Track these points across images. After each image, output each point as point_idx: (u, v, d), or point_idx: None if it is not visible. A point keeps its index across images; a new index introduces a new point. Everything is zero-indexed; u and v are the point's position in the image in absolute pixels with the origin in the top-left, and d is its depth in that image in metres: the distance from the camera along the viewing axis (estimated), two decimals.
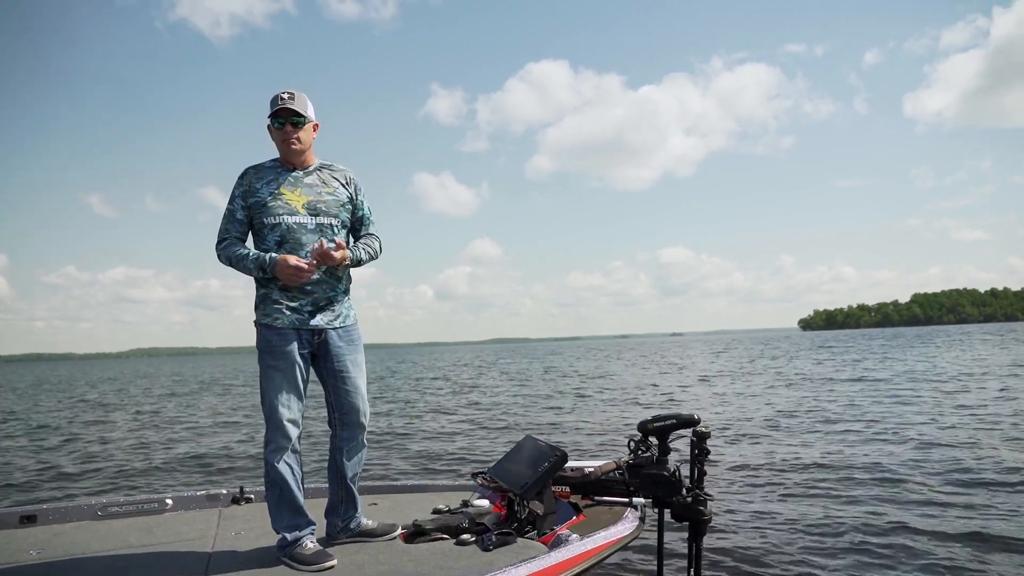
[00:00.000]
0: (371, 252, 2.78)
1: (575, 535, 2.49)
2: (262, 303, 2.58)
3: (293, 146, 2.59)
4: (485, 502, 3.04)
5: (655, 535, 2.88)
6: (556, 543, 2.46)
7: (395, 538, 2.71)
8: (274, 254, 2.51)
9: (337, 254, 2.54)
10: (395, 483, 3.59)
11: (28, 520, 2.97)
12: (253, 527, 2.90)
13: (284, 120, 2.57)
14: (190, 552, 2.62)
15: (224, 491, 3.34)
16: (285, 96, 2.56)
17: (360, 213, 2.79)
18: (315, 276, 2.56)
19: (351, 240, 2.80)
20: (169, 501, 3.23)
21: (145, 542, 2.74)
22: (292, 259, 2.47)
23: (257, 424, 11.52)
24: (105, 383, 32.59)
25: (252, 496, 3.33)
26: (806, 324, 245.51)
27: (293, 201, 2.60)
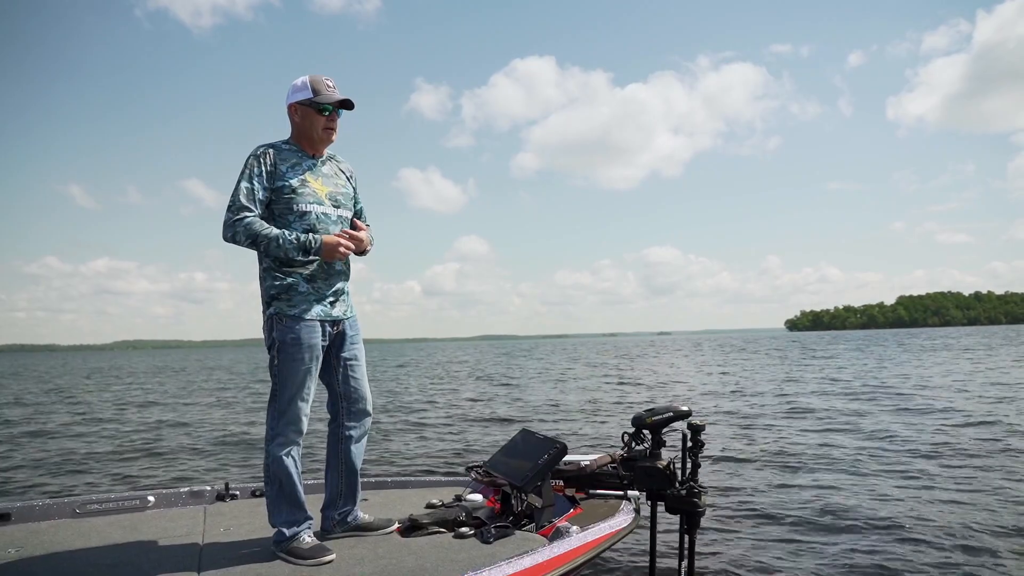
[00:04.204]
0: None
1: (575, 527, 2.51)
2: (285, 293, 2.48)
3: (333, 137, 2.59)
4: (478, 496, 3.04)
5: (649, 527, 2.92)
6: (556, 535, 2.47)
7: (391, 532, 2.69)
8: (317, 235, 2.46)
9: (364, 234, 2.60)
10: (386, 479, 3.56)
11: (1, 519, 2.86)
12: (242, 523, 2.86)
13: (333, 108, 2.55)
14: (180, 546, 2.56)
15: (208, 488, 3.27)
16: (331, 83, 2.55)
17: (359, 207, 2.79)
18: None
19: None
20: (151, 499, 3.14)
21: (130, 539, 2.66)
22: (341, 239, 2.45)
23: (240, 416, 11.47)
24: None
25: (237, 493, 3.27)
26: (793, 324, 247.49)
27: (319, 190, 2.56)
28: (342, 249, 2.47)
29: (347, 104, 2.57)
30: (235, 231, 2.40)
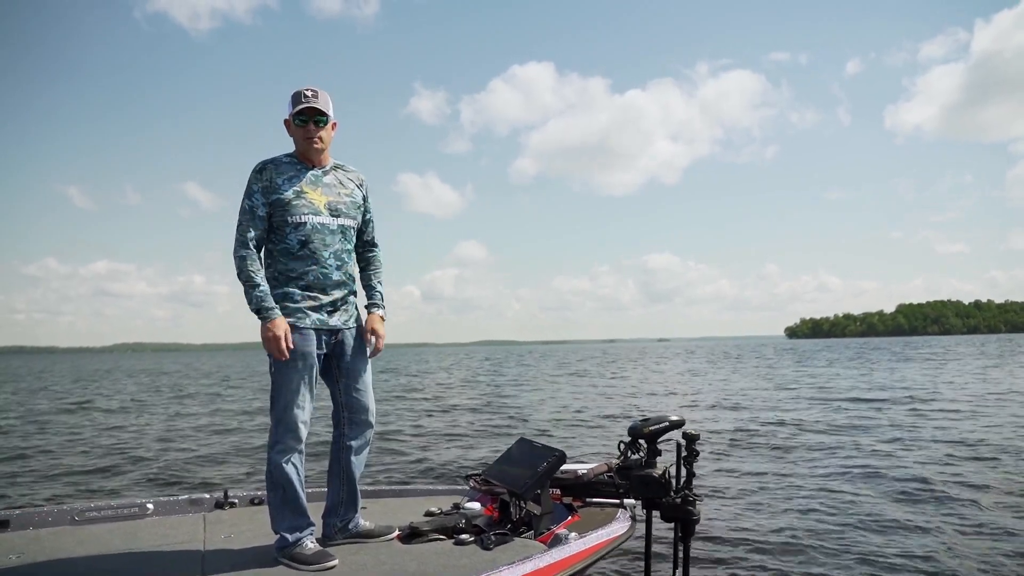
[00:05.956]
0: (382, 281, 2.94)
1: (573, 534, 2.56)
2: (281, 302, 2.54)
3: (315, 145, 2.60)
4: (476, 505, 3.09)
5: (645, 535, 2.97)
6: (555, 542, 2.53)
7: (392, 539, 2.74)
8: (276, 313, 2.47)
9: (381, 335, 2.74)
10: (384, 487, 3.60)
11: (1, 525, 2.87)
12: (242, 530, 2.88)
13: (307, 118, 2.57)
14: (181, 553, 2.59)
15: (207, 495, 3.30)
16: (308, 93, 2.56)
17: (367, 217, 2.83)
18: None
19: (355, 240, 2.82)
20: (150, 506, 3.16)
21: (131, 546, 2.68)
22: (283, 332, 2.44)
23: (233, 423, 11.49)
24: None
25: (236, 500, 3.29)
26: (792, 332, 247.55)
27: (316, 201, 2.60)
28: (276, 341, 2.43)
29: (309, 111, 2.56)
30: (236, 262, 2.54)
